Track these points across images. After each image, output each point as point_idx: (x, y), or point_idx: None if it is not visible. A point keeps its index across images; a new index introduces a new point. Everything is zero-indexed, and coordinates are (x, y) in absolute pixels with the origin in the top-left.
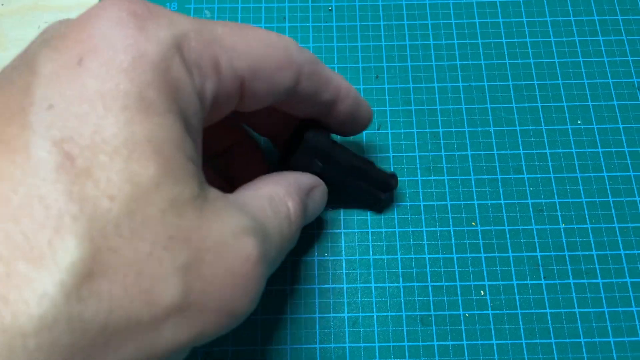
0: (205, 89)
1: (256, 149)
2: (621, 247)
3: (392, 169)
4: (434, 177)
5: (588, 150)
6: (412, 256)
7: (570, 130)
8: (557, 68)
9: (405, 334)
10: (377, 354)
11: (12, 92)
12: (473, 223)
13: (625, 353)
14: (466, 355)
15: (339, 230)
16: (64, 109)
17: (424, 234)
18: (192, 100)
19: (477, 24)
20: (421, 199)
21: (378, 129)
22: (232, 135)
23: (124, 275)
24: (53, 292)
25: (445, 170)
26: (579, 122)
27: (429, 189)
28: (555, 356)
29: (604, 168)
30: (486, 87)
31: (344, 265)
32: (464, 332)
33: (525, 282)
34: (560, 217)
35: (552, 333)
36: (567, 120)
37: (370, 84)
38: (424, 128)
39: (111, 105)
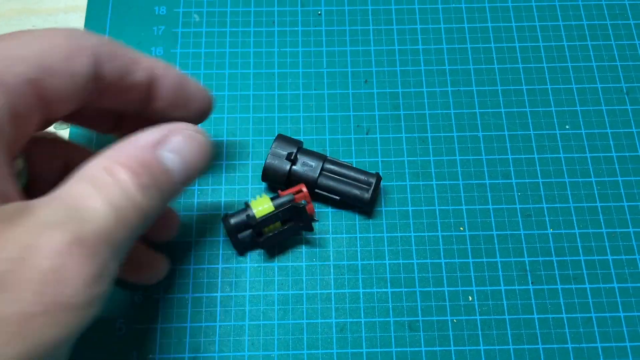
0: None
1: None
2: (609, 253)
3: (380, 174)
4: (423, 182)
5: (576, 155)
6: (400, 261)
7: (558, 135)
8: (546, 73)
9: (393, 339)
10: (365, 359)
11: None
12: (461, 228)
13: (613, 359)
14: None
15: (327, 236)
16: None
17: (412, 239)
18: None
19: (466, 28)
20: (409, 204)
21: (367, 134)
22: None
23: None
24: None
25: (433, 175)
26: (567, 127)
27: (417, 194)
28: None
29: (592, 173)
30: (475, 92)
31: (332, 270)
32: (451, 337)
33: (513, 287)
34: (548, 222)
35: (539, 338)
36: (556, 125)
37: (359, 89)
38: (412, 133)
39: None
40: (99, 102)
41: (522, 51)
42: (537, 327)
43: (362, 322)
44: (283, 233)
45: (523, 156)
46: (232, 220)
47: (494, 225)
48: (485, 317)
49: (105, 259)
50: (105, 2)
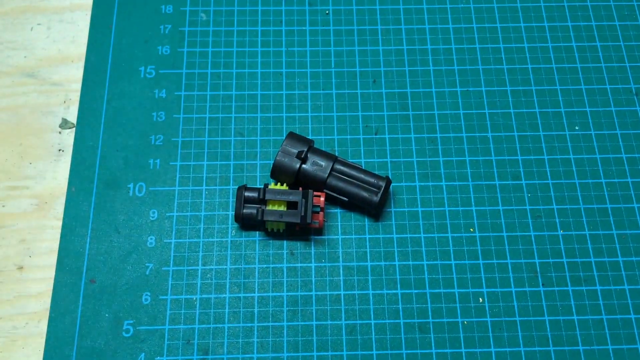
0: None
1: None
2: (619, 254)
3: (389, 175)
4: (432, 183)
5: (586, 156)
6: (410, 263)
7: (568, 136)
8: (555, 74)
9: (403, 341)
10: None
11: None
12: (471, 229)
13: None
14: None
15: (336, 237)
16: None
17: (422, 240)
18: None
19: (475, 29)
20: (419, 205)
21: (375, 134)
22: None
23: None
24: None
25: (443, 176)
26: (576, 128)
27: (427, 195)
28: None
29: (602, 174)
30: (484, 93)
31: (341, 271)
32: (462, 339)
33: (524, 289)
34: (558, 224)
35: (550, 341)
36: (565, 126)
37: (368, 89)
38: (421, 133)
39: None
40: None
41: (530, 52)
42: (548, 329)
43: (372, 323)
44: (283, 215)
45: (533, 157)
46: (247, 192)
47: (504, 226)
48: (496, 318)
49: None
50: (111, 0)
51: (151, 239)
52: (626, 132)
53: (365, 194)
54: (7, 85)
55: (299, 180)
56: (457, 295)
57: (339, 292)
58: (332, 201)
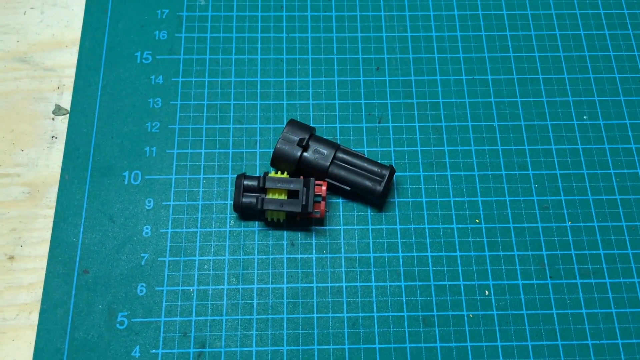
0: None
1: None
2: (629, 246)
3: (393, 164)
4: (437, 173)
5: (594, 146)
6: (414, 254)
7: (576, 125)
8: (563, 62)
9: (407, 335)
10: (377, 355)
11: None
12: (477, 220)
13: (634, 356)
14: (470, 357)
15: (338, 227)
16: None
17: (427, 232)
18: None
19: (481, 15)
20: (423, 195)
21: (379, 122)
22: None
23: None
24: None
25: (448, 166)
26: (585, 117)
27: (432, 185)
28: (562, 359)
29: (610, 165)
30: (490, 81)
31: (343, 263)
32: (467, 333)
33: (531, 281)
34: (566, 215)
35: (558, 335)
36: (573, 115)
37: (371, 76)
38: (426, 122)
39: None
40: None
41: (538, 39)
42: (556, 322)
43: (375, 316)
44: (284, 204)
45: (540, 147)
46: (246, 181)
47: (510, 217)
48: (503, 312)
49: None
50: None
51: (147, 228)
52: (635, 121)
53: (368, 183)
54: None
55: (300, 169)
56: (462, 287)
57: (340, 284)
58: (334, 190)
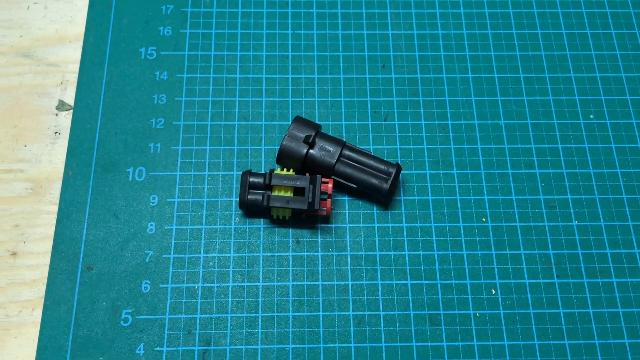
0: None
1: None
2: (635, 246)
3: (399, 161)
4: (443, 171)
5: (601, 145)
6: (421, 253)
7: (582, 124)
8: (569, 61)
9: (413, 333)
10: (383, 354)
11: None
12: (483, 219)
13: None
14: (477, 356)
15: (344, 225)
16: None
17: (433, 230)
18: None
19: (487, 14)
20: (430, 193)
21: (385, 120)
22: None
23: None
24: None
25: (454, 164)
26: (591, 116)
27: (438, 183)
28: (569, 358)
29: (617, 164)
30: (496, 79)
31: (349, 261)
32: (474, 332)
33: (538, 280)
34: (573, 214)
35: (565, 334)
36: (580, 114)
37: (377, 74)
38: (432, 120)
39: None
40: None
41: (544, 38)
42: (563, 322)
43: (381, 315)
44: (290, 202)
45: (546, 146)
46: (251, 178)
47: (517, 216)
48: (509, 311)
49: None
50: None
51: (151, 225)
52: None
53: (375, 181)
54: (1, 65)
55: (306, 166)
56: (469, 286)
57: (346, 282)
58: (340, 188)
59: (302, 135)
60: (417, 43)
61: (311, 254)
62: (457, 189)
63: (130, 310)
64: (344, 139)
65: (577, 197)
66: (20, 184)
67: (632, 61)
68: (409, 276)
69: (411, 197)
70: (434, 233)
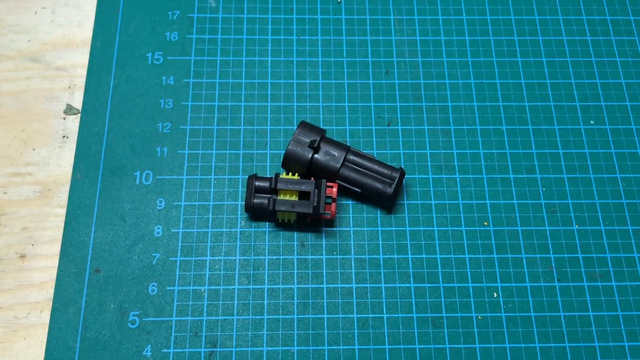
0: None
1: None
2: (635, 250)
3: (402, 166)
4: (446, 175)
5: (601, 151)
6: (424, 256)
7: (583, 130)
8: (570, 67)
9: (416, 336)
10: (387, 356)
11: None
12: (485, 223)
13: None
14: (479, 358)
15: (348, 228)
16: None
17: (436, 234)
18: None
19: (489, 20)
20: (432, 198)
21: (388, 125)
22: None
23: None
24: None
25: (457, 169)
26: (591, 122)
27: (441, 187)
28: None
29: (617, 169)
30: (498, 85)
31: (353, 264)
32: (476, 334)
33: (539, 284)
34: (573, 219)
35: (566, 337)
36: (580, 120)
37: (380, 79)
38: (435, 125)
39: None
40: None
41: (545, 44)
42: (564, 325)
43: (385, 317)
44: (295, 206)
45: (547, 151)
46: (257, 182)
47: (518, 220)
48: (511, 314)
49: None
50: None
51: (158, 228)
52: None
53: (379, 185)
54: (10, 70)
55: (311, 170)
56: (471, 289)
57: (350, 285)
58: (344, 192)
59: (308, 140)
60: (420, 49)
61: (316, 257)
62: (459, 194)
63: (137, 313)
64: (348, 144)
65: (577, 202)
66: (28, 187)
67: (632, 68)
68: (412, 279)
69: (414, 201)
70: (436, 237)
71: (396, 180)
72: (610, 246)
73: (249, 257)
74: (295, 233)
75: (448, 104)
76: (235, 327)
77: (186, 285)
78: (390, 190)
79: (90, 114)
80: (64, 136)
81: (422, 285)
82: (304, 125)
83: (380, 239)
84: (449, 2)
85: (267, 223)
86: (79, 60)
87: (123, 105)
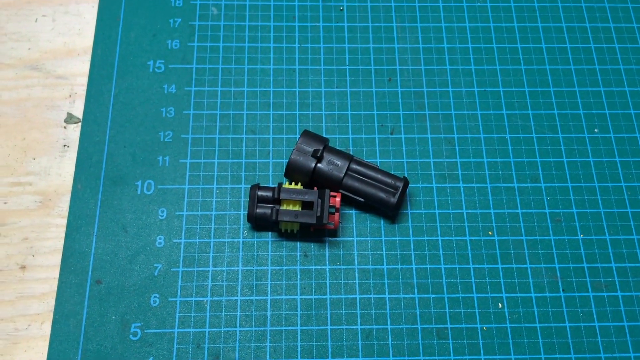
0: None
1: None
2: None
3: (406, 175)
4: (449, 185)
5: (605, 159)
6: (428, 266)
7: (587, 138)
8: (574, 75)
9: (421, 347)
10: None
11: None
12: (490, 232)
13: None
14: None
15: (351, 238)
16: None
17: (440, 244)
18: None
19: (492, 28)
20: (436, 207)
21: (391, 134)
22: None
23: None
24: None
25: (460, 178)
26: (596, 130)
27: (444, 197)
28: None
29: (621, 178)
30: (502, 93)
31: (356, 274)
32: (481, 345)
33: (544, 294)
34: (578, 228)
35: (571, 348)
36: (584, 128)
37: (383, 87)
38: (438, 133)
39: None
40: None
41: (549, 52)
42: (569, 335)
43: (389, 328)
44: (298, 216)
45: (552, 160)
46: (260, 192)
47: (523, 230)
48: (516, 325)
49: None
50: None
51: (160, 238)
52: None
53: (382, 195)
54: (10, 78)
55: (314, 180)
56: (475, 300)
57: (354, 296)
58: (347, 202)
59: (311, 150)
60: (423, 57)
61: (319, 267)
62: (463, 203)
63: (139, 324)
64: (351, 152)
65: (582, 211)
66: (29, 197)
67: (635, 75)
68: (416, 290)
69: (418, 211)
70: (440, 246)
71: (400, 189)
72: (615, 256)
73: (252, 268)
74: (298, 243)
75: (451, 112)
76: (238, 338)
77: (188, 296)
78: (394, 199)
79: (91, 122)
80: (64, 145)
81: (426, 295)
82: (306, 135)
83: (384, 249)
84: (452, 10)
85: (269, 233)
86: (80, 68)
87: (124, 114)
